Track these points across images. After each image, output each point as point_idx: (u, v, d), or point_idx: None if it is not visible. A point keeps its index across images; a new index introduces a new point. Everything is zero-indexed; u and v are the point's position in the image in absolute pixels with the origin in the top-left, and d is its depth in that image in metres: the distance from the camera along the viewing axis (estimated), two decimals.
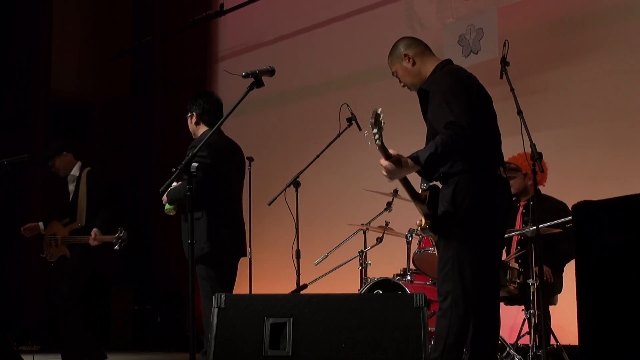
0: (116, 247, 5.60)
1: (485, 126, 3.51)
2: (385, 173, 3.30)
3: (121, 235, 5.57)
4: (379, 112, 3.13)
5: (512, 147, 4.88)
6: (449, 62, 3.68)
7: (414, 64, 3.67)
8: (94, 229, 5.62)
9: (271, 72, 3.59)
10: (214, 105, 4.67)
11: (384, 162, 3.27)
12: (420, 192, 3.57)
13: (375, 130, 3.13)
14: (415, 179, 3.56)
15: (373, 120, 3.12)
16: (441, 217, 3.45)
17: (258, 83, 3.55)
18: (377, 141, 3.17)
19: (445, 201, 3.45)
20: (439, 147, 3.25)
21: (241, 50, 8.68)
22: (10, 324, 7.49)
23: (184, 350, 7.14)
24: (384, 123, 3.14)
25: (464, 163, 3.42)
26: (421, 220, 3.56)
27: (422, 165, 3.29)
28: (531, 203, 5.22)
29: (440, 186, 3.54)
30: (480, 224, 3.41)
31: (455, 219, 3.41)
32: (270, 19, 8.38)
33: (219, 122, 4.01)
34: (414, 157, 3.29)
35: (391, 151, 3.28)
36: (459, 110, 3.32)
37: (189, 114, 4.68)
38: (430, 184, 3.57)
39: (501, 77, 4.32)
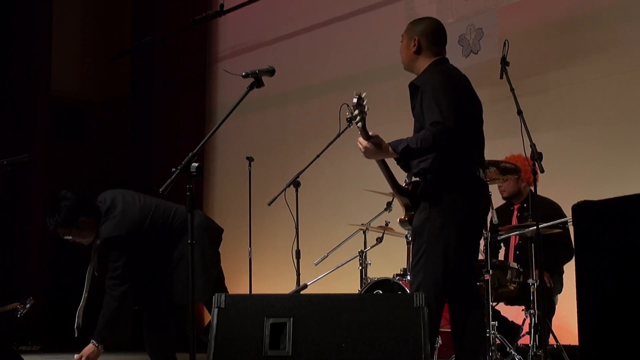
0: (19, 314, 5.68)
1: (470, 128, 3.54)
2: (362, 150, 3.44)
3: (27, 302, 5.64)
4: (362, 95, 3.28)
5: (512, 147, 4.90)
6: (443, 60, 3.69)
7: (416, 51, 3.70)
8: None
9: (271, 72, 3.58)
10: None
11: (364, 141, 3.41)
12: (404, 184, 3.66)
13: (356, 112, 3.29)
14: (400, 173, 3.63)
15: (355, 102, 3.27)
16: (416, 212, 3.52)
17: (258, 83, 3.54)
18: (359, 123, 3.32)
19: (421, 197, 3.51)
20: (419, 142, 3.36)
21: (241, 50, 8.68)
22: (11, 324, 7.47)
23: (184, 351, 7.13)
24: (367, 107, 3.29)
25: (445, 161, 3.47)
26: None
27: (397, 154, 3.42)
28: (525, 205, 5.25)
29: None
30: (456, 222, 3.46)
31: (430, 215, 3.46)
32: (270, 19, 8.38)
33: (220, 122, 4.00)
34: (393, 145, 3.42)
35: (371, 133, 3.42)
36: (447, 110, 3.37)
37: None
38: (414, 179, 3.63)
39: (501, 77, 4.32)
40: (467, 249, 3.58)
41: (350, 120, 3.38)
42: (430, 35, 3.70)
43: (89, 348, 4.27)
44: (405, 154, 3.41)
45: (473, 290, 3.69)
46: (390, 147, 3.43)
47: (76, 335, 4.36)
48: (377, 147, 3.42)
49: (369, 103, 3.84)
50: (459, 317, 3.57)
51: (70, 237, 4.36)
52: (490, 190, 4.54)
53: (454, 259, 3.47)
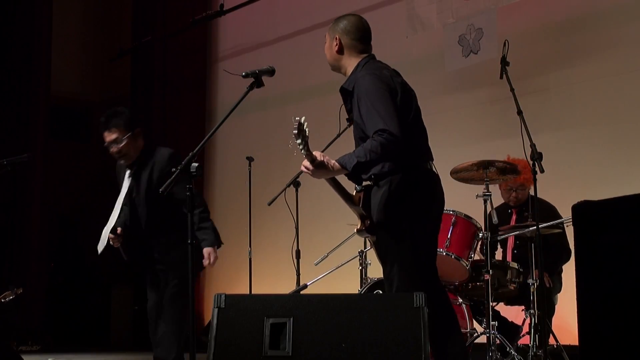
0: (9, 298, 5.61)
1: (412, 123, 3.51)
2: (309, 174, 3.40)
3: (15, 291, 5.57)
4: (302, 121, 3.23)
5: (512, 147, 4.89)
6: (370, 58, 3.64)
7: (339, 51, 3.67)
8: None
9: (271, 72, 3.59)
10: None
11: (309, 165, 3.36)
12: (354, 193, 3.60)
13: (299, 141, 3.24)
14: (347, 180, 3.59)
15: (296, 131, 3.22)
16: (377, 219, 3.48)
17: (258, 83, 3.55)
18: (302, 150, 3.28)
19: (380, 204, 3.46)
20: (368, 154, 3.31)
21: (241, 50, 8.68)
22: (11, 324, 7.47)
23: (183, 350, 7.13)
24: (308, 131, 3.25)
25: (395, 163, 3.44)
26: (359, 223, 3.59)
27: (349, 171, 3.37)
28: (523, 208, 5.25)
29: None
30: (418, 223, 3.45)
31: (393, 221, 3.44)
32: (270, 19, 8.38)
33: (220, 122, 4.01)
34: (342, 162, 3.37)
35: (316, 153, 3.37)
36: (387, 115, 3.33)
37: None
38: (364, 184, 3.58)
39: (501, 77, 4.33)
40: (430, 246, 3.59)
41: (301, 145, 3.28)
42: (351, 33, 3.67)
43: (212, 251, 4.31)
44: (358, 169, 3.38)
45: (440, 287, 3.67)
46: (338, 164, 3.38)
47: (99, 254, 4.29)
48: (324, 169, 3.37)
49: None
50: (433, 316, 3.53)
51: (119, 146, 4.38)
52: (490, 190, 4.57)
53: (422, 259, 3.48)
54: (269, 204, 5.50)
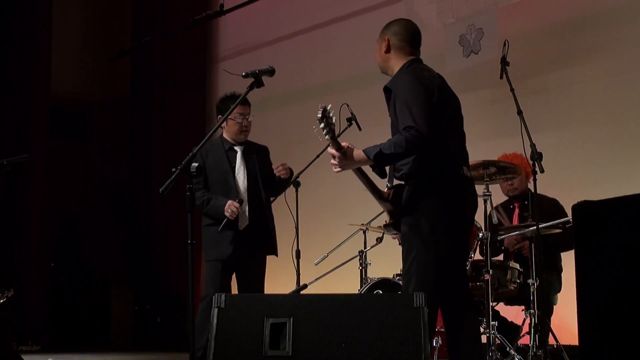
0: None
1: (448, 126, 3.53)
2: (334, 163, 3.42)
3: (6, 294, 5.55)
4: (328, 108, 3.27)
5: (512, 147, 4.90)
6: (415, 61, 3.67)
7: (387, 51, 3.70)
8: None
9: (271, 72, 3.59)
10: None
11: (335, 153, 3.39)
12: (385, 190, 3.62)
13: (322, 126, 3.27)
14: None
15: (320, 116, 3.25)
16: (404, 217, 3.50)
17: (258, 83, 3.55)
18: (326, 136, 3.30)
19: (408, 202, 3.49)
20: (392, 147, 3.34)
21: (241, 50, 8.68)
22: (10, 324, 7.47)
23: (184, 350, 7.13)
24: (334, 118, 3.28)
25: (427, 163, 3.47)
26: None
27: (371, 160, 3.40)
28: (526, 203, 5.24)
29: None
30: (443, 224, 3.45)
31: (418, 219, 3.45)
32: (270, 19, 8.38)
33: (220, 122, 4.02)
34: (366, 151, 3.40)
35: (344, 144, 3.40)
36: (418, 113, 3.36)
37: None
38: (396, 183, 3.60)
39: (501, 77, 4.33)
40: (456, 249, 3.58)
41: (327, 133, 3.31)
42: (399, 34, 3.69)
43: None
44: (379, 159, 3.40)
45: (466, 291, 3.68)
46: (364, 154, 3.40)
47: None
48: (349, 157, 3.40)
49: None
50: (453, 319, 3.56)
51: (250, 120, 4.91)
52: (490, 190, 4.57)
53: (444, 260, 3.47)
54: None
